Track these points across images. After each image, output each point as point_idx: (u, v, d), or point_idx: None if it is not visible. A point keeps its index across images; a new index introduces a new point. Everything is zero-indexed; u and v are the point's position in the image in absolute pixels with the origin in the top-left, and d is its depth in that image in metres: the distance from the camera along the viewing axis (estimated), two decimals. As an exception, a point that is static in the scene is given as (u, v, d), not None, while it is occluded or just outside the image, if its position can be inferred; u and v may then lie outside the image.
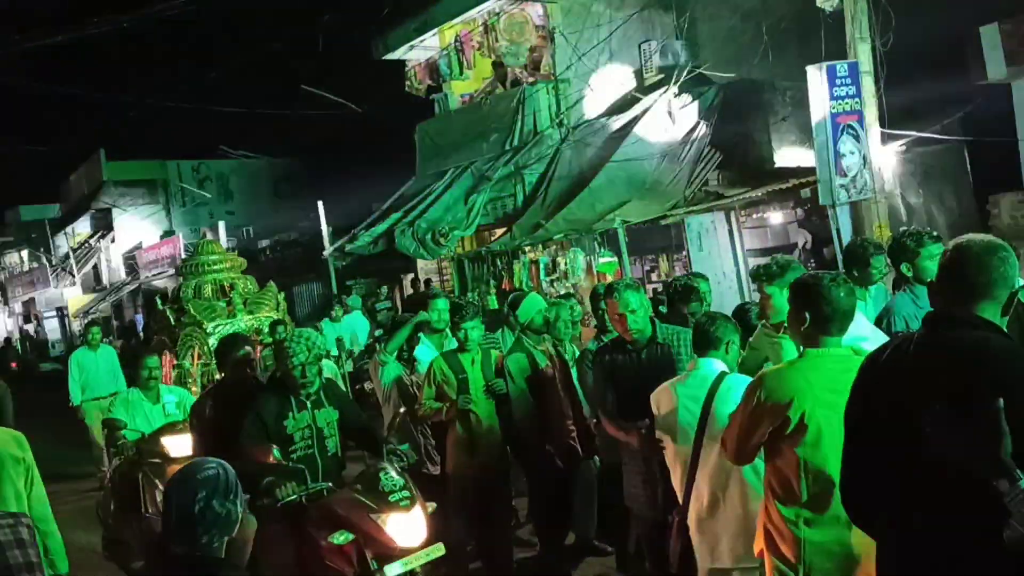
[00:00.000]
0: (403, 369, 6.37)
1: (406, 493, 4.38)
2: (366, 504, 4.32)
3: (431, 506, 4.50)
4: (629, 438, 4.37)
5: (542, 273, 12.70)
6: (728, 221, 11.74)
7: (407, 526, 4.30)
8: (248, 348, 5.47)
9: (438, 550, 4.38)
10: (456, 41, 15.85)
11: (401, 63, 17.42)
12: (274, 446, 4.51)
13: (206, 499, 2.49)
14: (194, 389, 8.14)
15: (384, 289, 16.31)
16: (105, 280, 32.78)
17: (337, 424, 4.87)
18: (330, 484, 4.61)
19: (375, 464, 4.66)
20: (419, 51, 17.00)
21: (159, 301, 9.31)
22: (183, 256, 23.95)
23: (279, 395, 4.75)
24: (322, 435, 4.77)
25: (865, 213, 9.06)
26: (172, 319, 8.70)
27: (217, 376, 7.90)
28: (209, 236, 13.64)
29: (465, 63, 15.86)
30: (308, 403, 4.76)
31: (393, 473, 4.47)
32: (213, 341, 8.04)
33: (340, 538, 4.22)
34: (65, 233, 35.58)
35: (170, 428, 6.22)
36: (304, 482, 4.47)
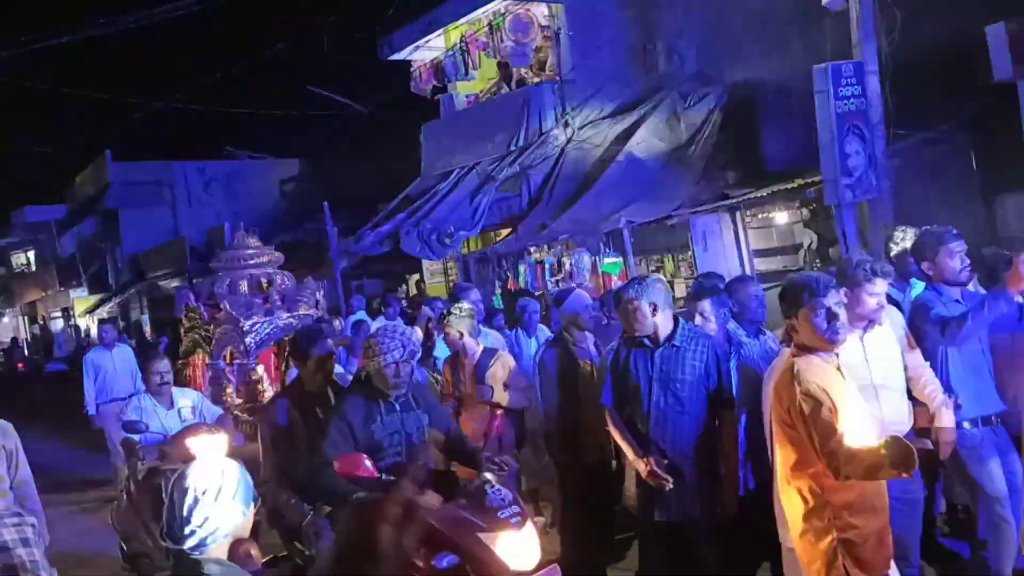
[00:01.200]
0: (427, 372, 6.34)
1: (516, 509, 3.91)
2: (473, 522, 3.84)
3: (540, 520, 4.21)
4: (624, 447, 4.41)
5: (547, 273, 12.70)
6: (733, 221, 11.72)
7: (520, 546, 3.83)
8: (330, 343, 4.95)
9: (554, 572, 3.97)
10: (461, 42, 15.88)
11: (406, 64, 17.46)
12: (365, 456, 4.02)
13: (195, 499, 2.48)
14: (228, 390, 7.91)
15: (405, 287, 16.39)
16: (111, 281, 32.86)
17: (427, 428, 4.45)
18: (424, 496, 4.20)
19: (479, 477, 4.16)
20: (424, 52, 17.03)
21: (192, 297, 8.95)
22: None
23: (366, 397, 4.30)
24: (411, 442, 4.32)
25: (871, 213, 9.05)
26: (206, 316, 8.21)
27: (259, 375, 7.71)
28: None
29: (470, 63, 15.88)
30: (397, 406, 4.31)
31: (499, 486, 4.01)
32: (250, 340, 7.83)
33: (444, 561, 3.77)
34: (71, 234, 35.69)
35: (194, 430, 5.85)
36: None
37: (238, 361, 8.03)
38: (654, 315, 4.31)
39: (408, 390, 4.35)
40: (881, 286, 4.17)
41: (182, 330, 9.27)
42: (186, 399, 6.40)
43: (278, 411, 4.74)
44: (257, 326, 7.79)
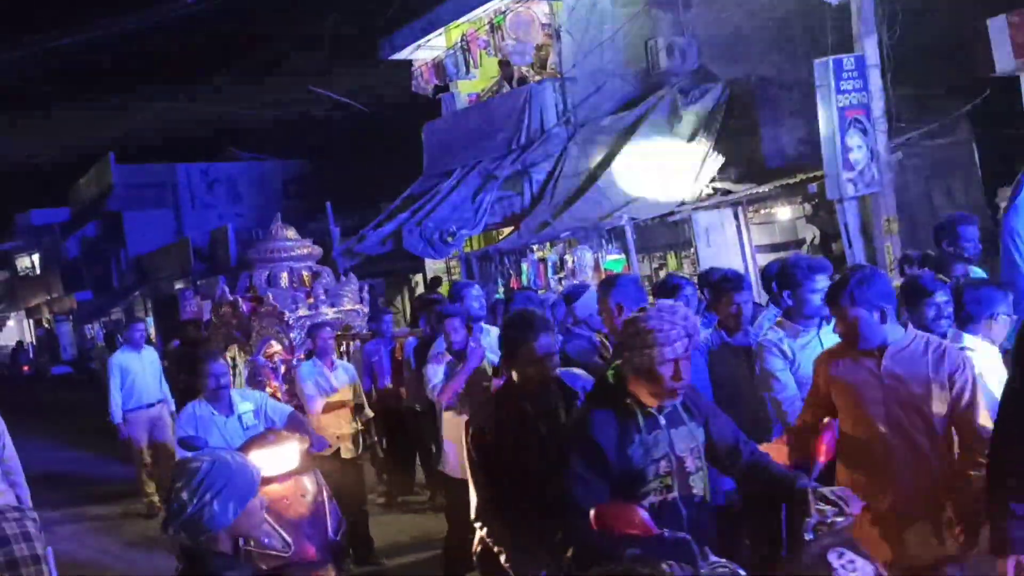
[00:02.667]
0: None
1: None
2: None
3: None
4: None
5: (550, 271, 12.71)
6: (736, 217, 11.71)
7: None
8: (550, 332, 3.48)
9: None
10: (462, 40, 15.88)
11: (407, 63, 17.46)
12: (641, 509, 2.76)
13: (178, 491, 2.48)
14: (268, 390, 7.16)
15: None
16: (115, 283, 32.92)
17: (704, 448, 3.12)
18: (726, 562, 2.74)
19: (810, 542, 2.75)
20: (425, 51, 17.03)
21: (227, 290, 8.45)
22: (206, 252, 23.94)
23: (617, 409, 3.01)
24: (684, 468, 3.03)
25: (873, 207, 9.05)
26: (245, 309, 7.67)
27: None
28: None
29: (472, 62, 15.88)
30: (661, 419, 3.02)
31: (850, 553, 2.68)
32: (295, 335, 7.40)
33: None
34: (75, 237, 35.76)
35: (259, 441, 5.05)
36: (692, 560, 2.68)
37: (281, 358, 7.61)
38: (620, 315, 4.32)
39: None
40: (822, 281, 4.12)
41: (195, 327, 8.93)
42: (247, 403, 5.57)
43: (489, 423, 3.45)
44: (303, 320, 7.41)
